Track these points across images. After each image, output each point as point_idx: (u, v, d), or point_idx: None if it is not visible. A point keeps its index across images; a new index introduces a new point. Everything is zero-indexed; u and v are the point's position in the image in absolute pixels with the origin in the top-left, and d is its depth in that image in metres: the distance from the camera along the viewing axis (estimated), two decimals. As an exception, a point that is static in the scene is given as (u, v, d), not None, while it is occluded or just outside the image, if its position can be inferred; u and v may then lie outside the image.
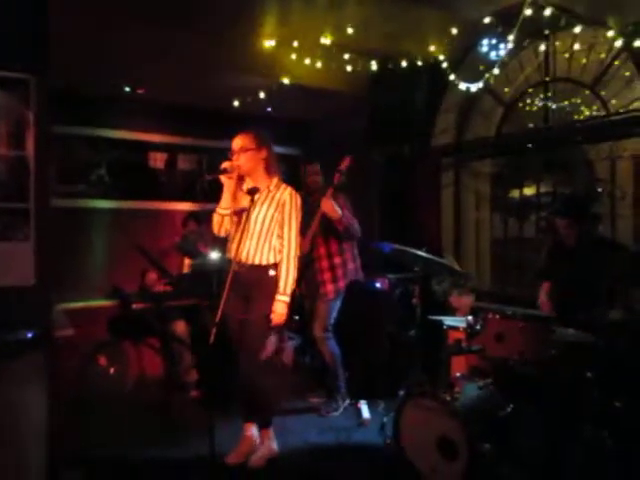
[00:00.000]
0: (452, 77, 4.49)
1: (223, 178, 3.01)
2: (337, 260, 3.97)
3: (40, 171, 2.64)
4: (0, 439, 2.38)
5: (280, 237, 3.09)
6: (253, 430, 3.17)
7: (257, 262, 3.05)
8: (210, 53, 4.26)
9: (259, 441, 3.16)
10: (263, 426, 3.17)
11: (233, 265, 2.82)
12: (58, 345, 2.80)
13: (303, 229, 3.40)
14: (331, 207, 3.72)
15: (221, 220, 3.07)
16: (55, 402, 2.62)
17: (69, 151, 5.07)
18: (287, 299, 3.04)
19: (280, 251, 3.09)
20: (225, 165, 3.01)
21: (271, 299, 3.04)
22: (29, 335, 2.47)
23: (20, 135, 2.59)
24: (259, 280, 3.05)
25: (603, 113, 4.26)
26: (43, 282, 2.65)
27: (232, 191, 3.05)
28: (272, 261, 3.08)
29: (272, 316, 3.01)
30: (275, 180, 3.13)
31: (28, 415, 2.47)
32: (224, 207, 3.05)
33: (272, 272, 3.07)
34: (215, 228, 3.12)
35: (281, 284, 3.04)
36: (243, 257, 3.03)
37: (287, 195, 3.10)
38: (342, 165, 3.80)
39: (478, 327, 3.05)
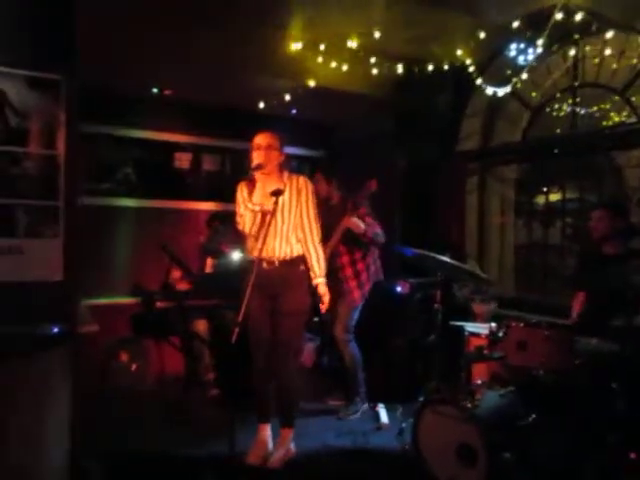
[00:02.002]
0: (479, 81, 4.45)
1: (257, 174, 3.06)
2: (361, 266, 3.99)
3: (70, 170, 2.69)
4: (24, 431, 2.42)
5: (300, 226, 3.14)
6: (269, 430, 3.21)
7: (288, 256, 3.10)
8: (236, 55, 4.28)
9: (280, 441, 3.18)
10: (288, 425, 3.20)
11: (262, 264, 2.87)
12: (82, 340, 2.85)
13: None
14: (355, 224, 3.77)
15: (254, 217, 3.09)
16: (78, 396, 2.66)
17: (97, 150, 5.16)
18: (324, 280, 3.16)
19: (302, 238, 3.15)
20: (258, 161, 3.05)
21: (303, 292, 3.12)
22: (55, 330, 2.51)
23: (51, 134, 2.65)
24: (291, 273, 3.11)
25: (633, 119, 4.19)
26: (70, 278, 2.70)
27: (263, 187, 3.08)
28: (300, 252, 3.15)
29: (322, 298, 3.13)
30: (286, 174, 3.18)
31: (52, 408, 2.51)
32: (258, 203, 3.07)
33: (302, 266, 3.14)
34: (247, 226, 3.10)
35: (316, 269, 3.14)
36: (275, 254, 3.08)
37: (302, 183, 3.16)
38: (368, 189, 3.83)
39: (500, 334, 3.02)
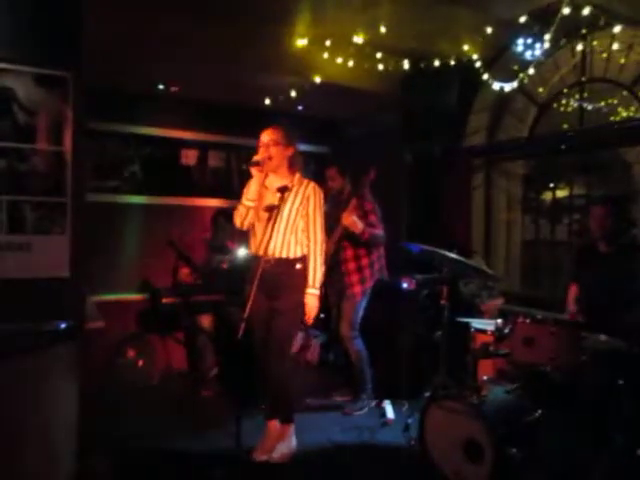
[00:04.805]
0: (485, 77, 4.43)
1: (254, 170, 3.06)
2: (364, 261, 3.97)
3: (77, 166, 2.71)
4: (32, 426, 2.44)
5: (305, 231, 3.13)
6: (277, 426, 3.20)
7: (284, 256, 3.08)
8: (243, 51, 4.28)
9: (281, 436, 3.17)
10: (286, 421, 3.20)
11: (261, 261, 2.86)
12: (89, 337, 2.87)
13: (327, 230, 3.39)
14: (352, 222, 3.71)
15: (246, 212, 3.10)
16: (85, 392, 2.68)
17: (104, 147, 5.17)
18: (317, 292, 3.12)
19: (307, 245, 3.13)
20: (257, 157, 3.05)
21: (298, 291, 3.09)
22: (62, 326, 2.53)
23: (58, 131, 2.66)
24: (286, 273, 3.09)
25: (642, 114, 4.16)
26: (77, 275, 2.72)
27: (260, 184, 3.09)
28: (299, 254, 3.12)
29: (306, 309, 3.09)
30: (297, 175, 3.17)
31: (58, 404, 2.53)
32: (251, 199, 3.09)
33: (299, 265, 3.11)
34: (238, 220, 3.14)
35: (310, 278, 3.11)
36: (270, 252, 3.05)
37: (311, 190, 3.14)
38: (368, 178, 3.81)
39: (507, 330, 3.01)
